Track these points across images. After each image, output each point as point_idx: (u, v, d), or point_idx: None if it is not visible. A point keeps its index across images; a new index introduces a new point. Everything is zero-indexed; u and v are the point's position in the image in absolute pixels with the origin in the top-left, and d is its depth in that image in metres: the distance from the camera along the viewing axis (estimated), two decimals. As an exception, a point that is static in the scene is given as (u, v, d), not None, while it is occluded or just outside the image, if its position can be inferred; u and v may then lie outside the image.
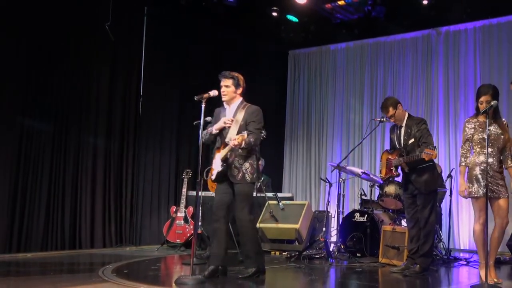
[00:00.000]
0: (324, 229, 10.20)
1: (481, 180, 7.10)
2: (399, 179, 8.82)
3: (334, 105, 14.57)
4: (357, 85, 14.23)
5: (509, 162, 7.29)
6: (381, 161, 8.89)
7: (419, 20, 12.65)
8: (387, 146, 9.00)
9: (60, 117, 10.42)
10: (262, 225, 10.70)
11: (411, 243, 8.34)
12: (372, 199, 10.87)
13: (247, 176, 7.26)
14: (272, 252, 10.49)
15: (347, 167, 10.49)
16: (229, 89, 7.38)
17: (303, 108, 15.14)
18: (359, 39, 14.16)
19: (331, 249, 9.93)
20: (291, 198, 11.99)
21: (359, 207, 10.93)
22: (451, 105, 12.65)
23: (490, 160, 7.16)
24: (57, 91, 10.39)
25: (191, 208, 10.92)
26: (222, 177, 7.34)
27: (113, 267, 8.08)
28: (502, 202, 7.17)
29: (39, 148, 10.06)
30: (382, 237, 9.45)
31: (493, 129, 7.22)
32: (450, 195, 10.39)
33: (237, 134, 7.09)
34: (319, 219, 10.96)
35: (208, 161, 8.28)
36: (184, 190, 11.02)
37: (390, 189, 10.09)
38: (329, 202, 10.31)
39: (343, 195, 10.86)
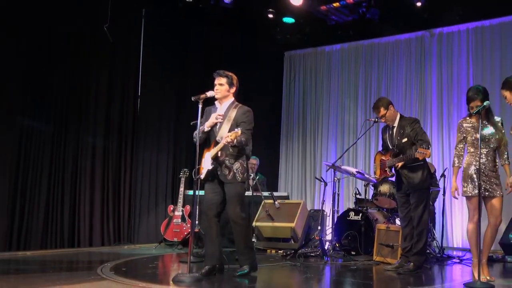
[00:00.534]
0: (319, 227, 10.19)
1: (475, 180, 7.11)
2: (393, 178, 8.83)
3: (329, 106, 14.58)
4: (352, 85, 14.25)
5: (505, 160, 7.32)
6: (375, 163, 8.91)
7: (413, 22, 12.66)
8: (381, 146, 9.00)
9: (59, 117, 10.42)
10: (258, 223, 10.70)
11: (405, 242, 8.35)
12: (367, 198, 10.88)
13: (237, 175, 7.27)
14: (268, 251, 10.50)
15: (342, 167, 10.51)
16: (222, 87, 7.39)
17: (299, 108, 15.16)
18: (354, 41, 14.18)
19: (326, 248, 9.95)
20: (286, 197, 12.00)
21: (353, 206, 10.93)
22: (444, 106, 12.67)
23: (484, 160, 7.17)
24: (56, 91, 10.39)
25: (188, 207, 10.92)
26: (212, 176, 7.34)
27: (111, 265, 8.08)
28: (495, 201, 7.19)
29: (38, 148, 10.06)
30: (376, 236, 9.47)
31: (487, 129, 7.23)
32: (444, 194, 10.40)
33: (229, 132, 7.12)
34: (314, 218, 10.97)
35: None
36: (182, 189, 11.02)
37: (384, 188, 10.11)
38: (324, 201, 10.31)
39: (338, 194, 10.86)
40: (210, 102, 7.46)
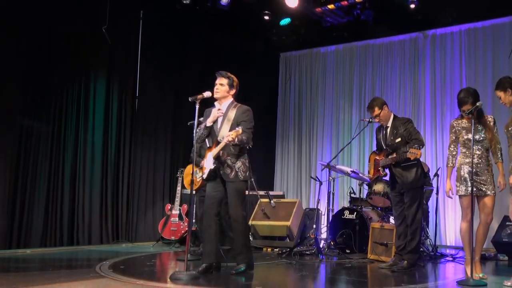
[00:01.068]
0: (314, 226, 10.20)
1: (468, 179, 7.15)
2: (387, 177, 8.85)
3: (324, 106, 14.59)
4: (347, 86, 14.25)
5: (498, 158, 7.35)
6: (369, 162, 8.93)
7: (407, 23, 12.66)
8: (375, 146, 9.01)
9: (59, 116, 10.42)
10: (254, 222, 10.71)
11: (398, 240, 8.37)
12: (361, 197, 10.90)
13: (240, 174, 7.29)
14: (264, 249, 10.50)
15: (337, 166, 10.52)
16: (223, 87, 7.42)
17: (294, 108, 15.17)
18: (348, 42, 14.18)
19: (321, 246, 9.95)
20: (282, 196, 12.01)
21: (348, 205, 10.95)
22: (437, 106, 12.68)
23: (477, 160, 7.21)
24: (55, 91, 10.39)
25: (185, 206, 10.94)
26: (214, 175, 7.35)
27: (110, 263, 8.09)
28: (488, 199, 7.25)
29: (38, 147, 10.06)
30: (370, 234, 9.49)
31: (479, 130, 7.26)
32: (437, 193, 10.42)
33: (230, 131, 7.14)
34: (310, 216, 10.98)
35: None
36: (179, 188, 11.03)
37: (379, 187, 10.12)
38: (319, 200, 10.31)
39: (333, 193, 10.85)
40: (207, 102, 7.46)
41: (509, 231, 9.57)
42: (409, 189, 8.17)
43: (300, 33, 13.34)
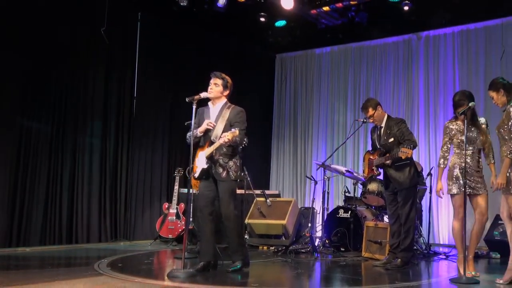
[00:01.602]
0: (309, 224, 10.22)
1: (460, 179, 7.17)
2: (381, 177, 8.86)
3: (319, 106, 14.59)
4: (341, 87, 14.26)
5: (490, 159, 7.38)
6: (363, 162, 8.95)
7: (400, 25, 12.69)
8: (369, 145, 9.02)
9: (58, 116, 10.40)
10: (250, 221, 10.71)
11: (392, 238, 8.39)
12: (356, 196, 10.93)
13: (231, 173, 7.31)
14: (260, 247, 10.51)
15: (332, 166, 10.53)
16: (217, 88, 7.43)
17: (290, 109, 15.18)
18: (343, 44, 14.19)
19: (316, 244, 9.96)
20: (278, 195, 12.03)
21: (343, 204, 10.97)
22: (431, 107, 12.69)
23: (469, 160, 7.24)
24: (55, 92, 10.37)
25: (182, 205, 10.93)
26: (206, 174, 7.35)
27: (108, 261, 8.09)
28: (480, 199, 7.26)
29: (37, 147, 10.04)
30: (365, 233, 9.50)
31: (472, 131, 7.28)
32: (430, 192, 10.44)
33: (223, 132, 7.14)
34: (305, 215, 10.99)
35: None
36: (176, 187, 11.03)
37: (373, 186, 10.12)
38: (314, 199, 10.34)
39: (328, 192, 10.86)
40: (204, 103, 7.47)
41: (501, 230, 9.60)
42: (402, 188, 8.20)
43: (295, 34, 13.35)
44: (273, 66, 15.68)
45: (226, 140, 6.95)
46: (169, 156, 12.44)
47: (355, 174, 10.49)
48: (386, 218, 9.61)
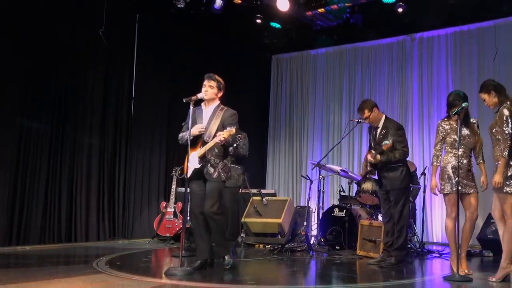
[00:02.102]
0: (305, 223, 10.20)
1: (453, 178, 7.18)
2: (376, 176, 8.88)
3: (314, 107, 14.61)
4: (336, 88, 14.29)
5: (480, 159, 7.41)
6: (364, 161, 8.97)
7: (395, 27, 12.73)
8: (364, 145, 9.05)
9: (58, 116, 10.39)
10: (246, 219, 10.71)
11: (386, 237, 8.41)
12: (350, 195, 10.93)
13: (222, 174, 7.33)
14: (256, 245, 10.51)
15: (327, 165, 10.54)
16: (212, 90, 7.45)
17: (285, 109, 15.19)
18: (338, 45, 14.22)
19: (311, 242, 9.97)
20: (274, 194, 12.01)
21: (338, 203, 10.98)
22: (425, 107, 12.72)
23: (461, 159, 7.25)
24: (54, 92, 10.37)
25: (180, 204, 10.93)
26: (198, 174, 7.36)
27: (107, 259, 8.09)
28: (471, 197, 7.29)
29: (37, 147, 10.03)
30: (359, 231, 9.52)
31: (464, 131, 7.30)
32: (424, 191, 10.47)
33: (216, 132, 7.17)
34: (301, 214, 11.01)
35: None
36: (174, 186, 11.02)
37: (367, 186, 10.12)
38: (310, 198, 10.35)
39: (323, 192, 10.89)
40: (197, 103, 7.48)
41: (493, 228, 9.63)
42: (393, 189, 8.22)
43: (291, 36, 13.36)
44: (269, 67, 15.70)
45: (222, 139, 6.96)
46: (167, 156, 12.45)
47: (349, 173, 10.50)
48: (380, 217, 9.62)
